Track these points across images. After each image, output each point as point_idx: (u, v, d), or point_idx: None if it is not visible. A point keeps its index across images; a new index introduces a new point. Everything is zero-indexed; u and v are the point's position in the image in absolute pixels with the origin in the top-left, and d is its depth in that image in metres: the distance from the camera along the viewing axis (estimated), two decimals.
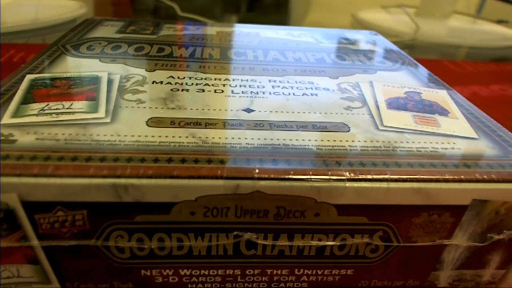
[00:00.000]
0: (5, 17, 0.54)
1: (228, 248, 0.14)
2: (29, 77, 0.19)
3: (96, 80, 0.19)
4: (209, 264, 0.15)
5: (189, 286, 0.15)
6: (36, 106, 0.16)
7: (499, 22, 0.73)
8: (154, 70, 0.21)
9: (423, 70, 0.24)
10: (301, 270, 0.15)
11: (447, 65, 0.48)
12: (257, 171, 0.13)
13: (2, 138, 0.14)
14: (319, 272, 0.16)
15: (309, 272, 0.15)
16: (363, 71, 0.23)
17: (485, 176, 0.14)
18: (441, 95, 0.20)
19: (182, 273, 0.15)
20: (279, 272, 0.15)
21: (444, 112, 0.19)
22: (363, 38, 0.30)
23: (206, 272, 0.15)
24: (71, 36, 0.25)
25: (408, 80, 0.22)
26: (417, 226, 0.14)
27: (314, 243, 0.14)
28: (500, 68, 0.48)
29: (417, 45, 0.57)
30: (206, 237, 0.14)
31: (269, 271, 0.15)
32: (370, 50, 0.27)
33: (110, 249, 0.14)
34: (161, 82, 0.19)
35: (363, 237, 0.14)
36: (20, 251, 0.14)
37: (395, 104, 0.19)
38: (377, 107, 0.18)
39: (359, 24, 0.64)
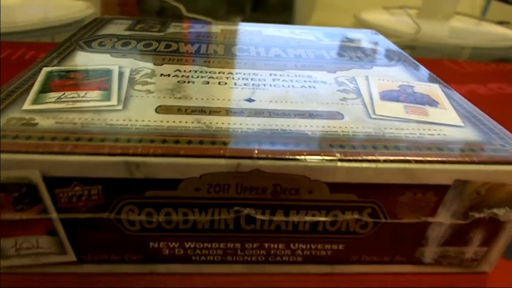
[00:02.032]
0: (16, 17, 0.56)
1: (229, 223, 0.16)
2: (45, 69, 0.20)
3: (108, 72, 0.20)
4: (212, 238, 0.16)
5: (193, 258, 0.17)
6: (53, 95, 0.18)
7: (500, 23, 0.74)
8: (162, 64, 0.22)
9: (418, 67, 0.25)
10: (296, 245, 0.17)
11: (447, 64, 0.49)
12: (256, 151, 0.14)
13: (24, 121, 0.15)
14: (313, 247, 0.17)
15: (304, 247, 0.17)
16: (360, 67, 0.24)
17: (466, 158, 0.15)
18: (433, 89, 0.22)
19: (187, 245, 0.16)
20: (275, 246, 0.17)
21: (434, 103, 0.20)
22: (362, 37, 0.32)
23: (209, 245, 0.16)
24: (83, 33, 0.27)
25: (403, 75, 0.23)
26: (403, 204, 0.16)
27: (308, 218, 0.16)
28: (499, 68, 0.49)
29: (418, 46, 0.58)
30: (209, 212, 0.15)
31: (266, 245, 0.17)
32: (368, 48, 0.28)
33: (122, 222, 0.15)
34: (169, 75, 0.21)
35: (353, 214, 0.16)
36: (40, 223, 0.15)
37: (388, 96, 0.20)
38: (371, 98, 0.20)
39: (361, 25, 0.65)
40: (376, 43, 0.30)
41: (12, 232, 0.15)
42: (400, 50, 0.29)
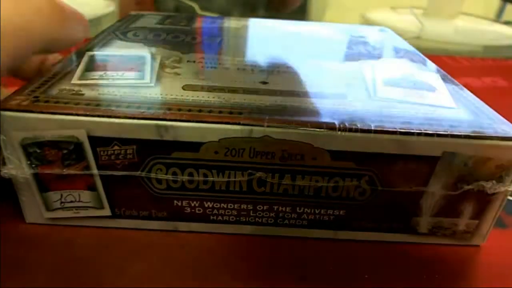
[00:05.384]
0: None
1: (243, 185, 0.18)
2: (88, 53, 0.23)
3: (142, 58, 0.23)
4: (228, 199, 0.19)
5: (211, 218, 0.19)
6: (96, 74, 0.20)
7: (506, 23, 0.75)
8: (188, 53, 0.25)
9: (424, 60, 0.27)
10: (302, 209, 0.19)
11: (445, 60, 0.50)
12: (267, 120, 0.17)
13: (73, 92, 0.18)
14: (317, 211, 0.19)
15: (309, 211, 0.19)
16: (367, 58, 0.26)
17: (454, 132, 0.17)
18: (434, 77, 0.23)
19: (206, 205, 0.19)
20: (283, 209, 0.19)
21: (432, 89, 0.22)
22: (371, 33, 0.34)
23: (225, 206, 0.19)
24: (119, 26, 0.30)
25: (407, 65, 0.25)
26: (397, 173, 0.18)
27: (312, 183, 0.18)
28: (495, 63, 0.51)
29: (423, 44, 0.60)
30: (226, 174, 0.18)
31: (275, 207, 0.19)
32: (376, 42, 0.30)
33: (151, 181, 0.18)
34: (194, 61, 0.23)
35: (352, 180, 0.18)
36: (83, 179, 0.18)
37: (390, 82, 0.22)
38: (374, 84, 0.22)
39: (368, 23, 0.68)
40: (384, 39, 0.32)
41: (59, 186, 0.18)
42: (408, 45, 0.30)
